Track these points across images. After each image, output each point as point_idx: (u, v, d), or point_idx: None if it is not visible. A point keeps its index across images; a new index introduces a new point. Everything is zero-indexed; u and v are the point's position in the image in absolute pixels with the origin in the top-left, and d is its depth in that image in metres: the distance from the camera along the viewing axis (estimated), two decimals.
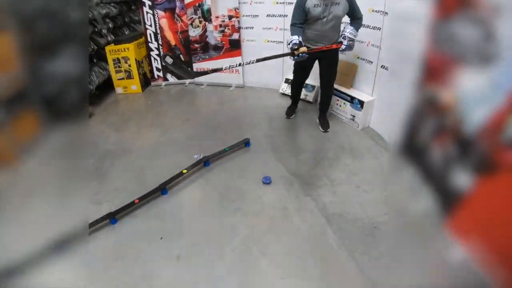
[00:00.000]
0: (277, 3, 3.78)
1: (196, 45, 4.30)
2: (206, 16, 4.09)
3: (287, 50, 2.74)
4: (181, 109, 3.83)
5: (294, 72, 3.13)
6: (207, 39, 4.22)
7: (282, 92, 4.00)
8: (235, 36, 4.08)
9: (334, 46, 2.70)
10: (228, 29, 4.05)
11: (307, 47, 2.68)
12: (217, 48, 4.23)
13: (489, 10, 0.95)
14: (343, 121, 3.27)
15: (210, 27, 4.13)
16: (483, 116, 1.02)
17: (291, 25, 2.69)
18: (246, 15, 4.00)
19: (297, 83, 3.22)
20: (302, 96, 3.66)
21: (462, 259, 1.00)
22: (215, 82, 4.41)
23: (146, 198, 2.20)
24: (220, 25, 4.07)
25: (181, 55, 4.47)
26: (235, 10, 3.94)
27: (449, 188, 1.17)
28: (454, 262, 1.05)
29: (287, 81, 3.95)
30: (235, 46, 4.14)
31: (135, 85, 4.35)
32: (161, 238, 1.93)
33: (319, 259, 1.76)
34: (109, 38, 4.34)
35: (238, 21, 3.99)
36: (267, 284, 1.64)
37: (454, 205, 1.13)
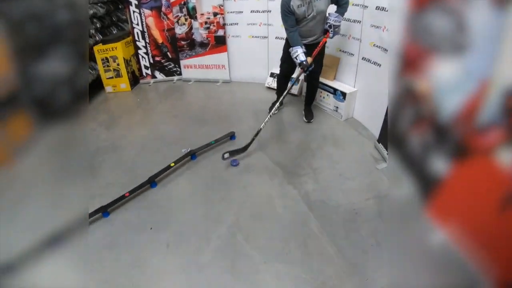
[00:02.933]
0: None
1: (182, 43, 4.35)
2: (192, 13, 4.14)
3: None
4: (169, 106, 3.88)
5: (281, 66, 3.12)
6: (193, 36, 4.27)
7: (268, 86, 4.08)
8: (220, 32, 4.13)
9: (324, 39, 2.77)
10: (213, 25, 4.10)
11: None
12: (203, 44, 4.29)
13: (459, 1, 1.03)
14: (327, 112, 3.36)
15: (195, 24, 4.18)
16: (457, 104, 1.11)
17: (288, 32, 2.72)
18: (231, 12, 4.06)
19: (283, 76, 3.19)
20: None
21: (442, 242, 1.08)
22: (203, 78, 4.49)
23: (136, 191, 2.29)
24: (206, 22, 4.12)
25: (168, 53, 4.52)
26: (219, 7, 3.99)
27: (428, 174, 1.24)
28: (434, 245, 1.12)
29: (272, 75, 4.03)
30: (220, 42, 4.20)
31: (124, 84, 4.40)
32: (151, 228, 2.02)
33: (300, 244, 1.86)
34: (97, 38, 4.38)
35: (223, 18, 4.04)
36: (250, 267, 1.74)
37: (433, 190, 1.20)
